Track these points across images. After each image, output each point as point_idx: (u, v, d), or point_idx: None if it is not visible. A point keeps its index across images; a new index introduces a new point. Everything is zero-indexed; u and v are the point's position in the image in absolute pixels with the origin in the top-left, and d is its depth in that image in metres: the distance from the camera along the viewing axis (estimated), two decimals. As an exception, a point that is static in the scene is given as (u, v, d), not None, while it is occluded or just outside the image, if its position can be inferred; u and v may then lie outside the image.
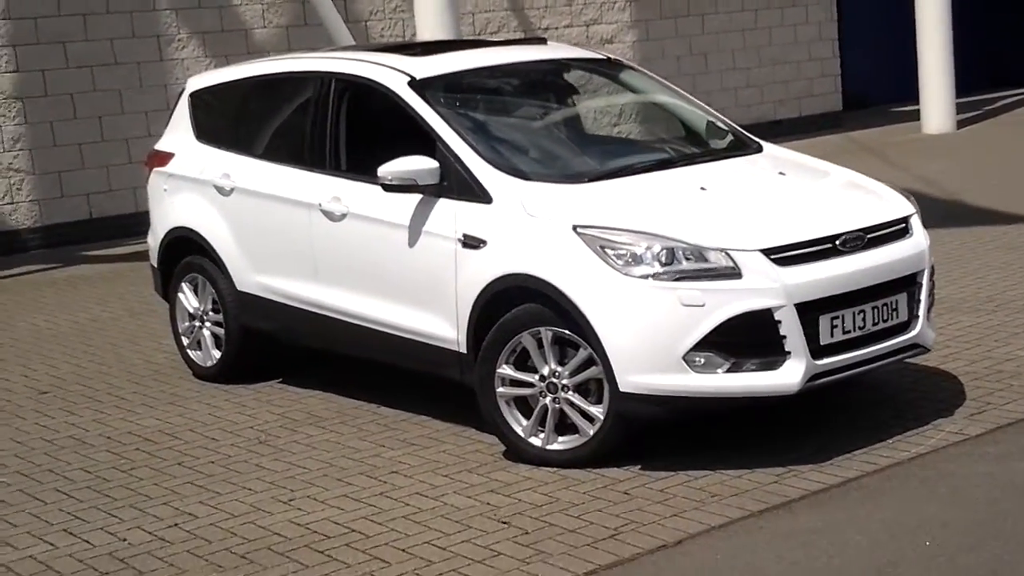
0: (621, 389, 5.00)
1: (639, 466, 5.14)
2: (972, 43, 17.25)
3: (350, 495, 5.10)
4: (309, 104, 6.30)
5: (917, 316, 5.40)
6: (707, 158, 5.96)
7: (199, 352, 6.93)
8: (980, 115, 15.80)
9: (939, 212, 9.71)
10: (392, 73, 5.98)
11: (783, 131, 14.33)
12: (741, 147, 6.14)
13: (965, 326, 6.88)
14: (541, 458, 5.25)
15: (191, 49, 11.66)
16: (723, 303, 4.91)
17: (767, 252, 5.00)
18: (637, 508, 4.75)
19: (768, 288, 4.94)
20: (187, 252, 6.91)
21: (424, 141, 5.67)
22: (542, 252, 5.19)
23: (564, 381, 5.17)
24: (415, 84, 5.87)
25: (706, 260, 4.98)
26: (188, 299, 6.94)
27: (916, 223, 5.55)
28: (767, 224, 5.16)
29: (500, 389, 5.31)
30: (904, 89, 15.87)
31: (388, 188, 5.59)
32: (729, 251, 4.98)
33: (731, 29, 15.06)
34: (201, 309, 6.89)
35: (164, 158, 7.11)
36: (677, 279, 4.94)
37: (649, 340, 4.95)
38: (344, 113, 6.15)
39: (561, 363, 5.18)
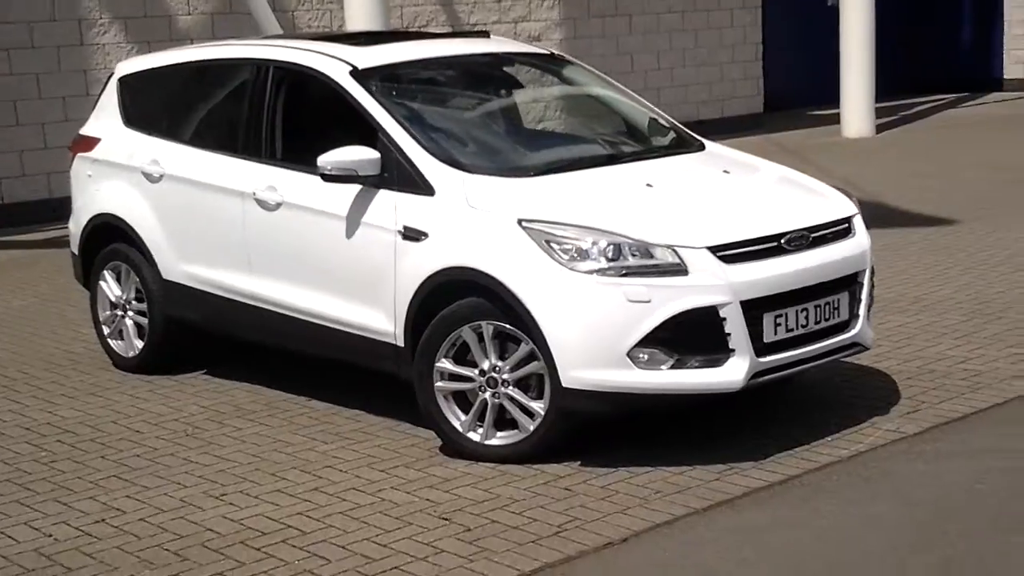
0: (564, 384, 4.93)
1: (579, 462, 5.07)
2: (892, 49, 17.51)
3: (284, 490, 4.96)
4: (245, 91, 6.13)
5: (857, 315, 5.41)
6: (651, 155, 5.90)
7: (120, 342, 6.73)
8: (898, 120, 16.03)
9: (862, 214, 9.77)
10: (333, 62, 5.84)
11: (705, 131, 14.33)
12: (684, 145, 6.11)
13: (895, 326, 6.93)
14: (479, 454, 5.16)
15: (113, 34, 11.35)
16: (669, 299, 4.86)
17: (713, 249, 4.96)
18: (580, 505, 4.69)
19: (714, 285, 4.90)
20: (110, 239, 6.70)
21: (364, 132, 5.54)
22: (485, 245, 5.09)
23: (505, 376, 5.09)
24: (357, 74, 5.73)
25: (652, 256, 4.93)
26: (110, 287, 6.74)
27: (859, 223, 5.58)
28: (713, 221, 5.13)
29: (439, 383, 5.22)
30: (825, 93, 16.04)
31: (327, 178, 5.45)
32: (675, 248, 4.93)
33: (657, 30, 15.10)
34: (124, 298, 6.69)
35: (90, 143, 6.89)
36: (623, 275, 4.89)
37: (593, 336, 4.89)
38: (281, 101, 5.99)
39: (502, 358, 5.10)
